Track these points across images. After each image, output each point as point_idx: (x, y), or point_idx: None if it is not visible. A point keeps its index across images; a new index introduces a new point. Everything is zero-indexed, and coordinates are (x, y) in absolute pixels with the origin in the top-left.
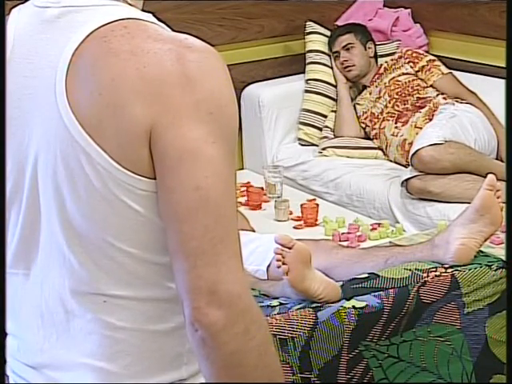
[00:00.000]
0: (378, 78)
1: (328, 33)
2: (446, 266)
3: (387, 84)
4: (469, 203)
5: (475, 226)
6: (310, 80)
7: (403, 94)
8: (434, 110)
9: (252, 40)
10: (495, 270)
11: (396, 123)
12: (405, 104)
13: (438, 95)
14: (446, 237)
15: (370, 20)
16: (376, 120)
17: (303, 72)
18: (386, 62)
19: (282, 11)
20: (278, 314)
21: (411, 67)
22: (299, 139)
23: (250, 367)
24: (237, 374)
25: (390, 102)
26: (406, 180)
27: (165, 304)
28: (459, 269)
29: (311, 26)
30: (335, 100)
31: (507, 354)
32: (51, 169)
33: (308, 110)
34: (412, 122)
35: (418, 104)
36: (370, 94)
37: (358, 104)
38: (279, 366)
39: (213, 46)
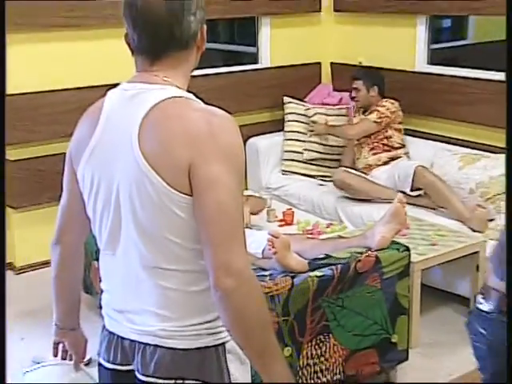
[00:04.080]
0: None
1: (298, 101)
2: (373, 250)
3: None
4: (379, 201)
5: (390, 225)
6: (287, 132)
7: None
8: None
9: (251, 110)
10: (401, 252)
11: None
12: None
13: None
14: (372, 231)
15: (324, 98)
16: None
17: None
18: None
19: (268, 93)
20: (269, 279)
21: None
22: (283, 171)
23: (251, 314)
24: (243, 319)
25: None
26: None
27: (197, 274)
28: (381, 252)
29: (286, 99)
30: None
31: (507, 353)
32: (128, 189)
33: (287, 151)
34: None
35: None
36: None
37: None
38: (268, 314)
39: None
